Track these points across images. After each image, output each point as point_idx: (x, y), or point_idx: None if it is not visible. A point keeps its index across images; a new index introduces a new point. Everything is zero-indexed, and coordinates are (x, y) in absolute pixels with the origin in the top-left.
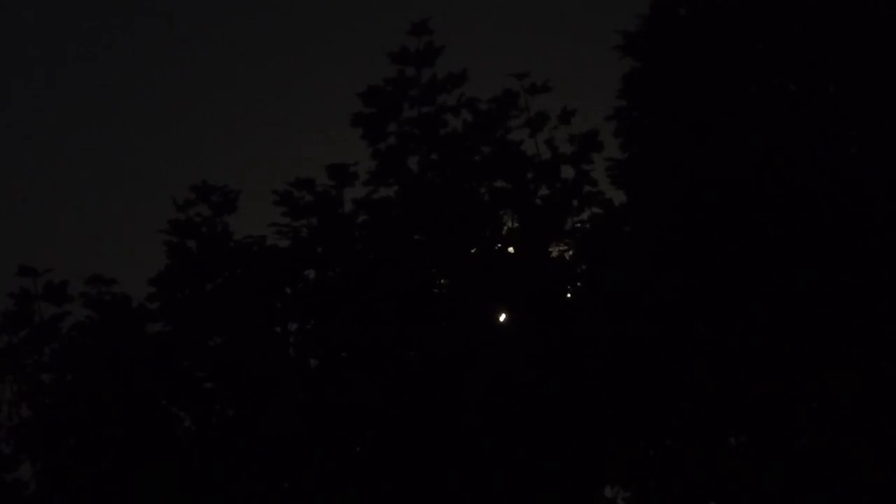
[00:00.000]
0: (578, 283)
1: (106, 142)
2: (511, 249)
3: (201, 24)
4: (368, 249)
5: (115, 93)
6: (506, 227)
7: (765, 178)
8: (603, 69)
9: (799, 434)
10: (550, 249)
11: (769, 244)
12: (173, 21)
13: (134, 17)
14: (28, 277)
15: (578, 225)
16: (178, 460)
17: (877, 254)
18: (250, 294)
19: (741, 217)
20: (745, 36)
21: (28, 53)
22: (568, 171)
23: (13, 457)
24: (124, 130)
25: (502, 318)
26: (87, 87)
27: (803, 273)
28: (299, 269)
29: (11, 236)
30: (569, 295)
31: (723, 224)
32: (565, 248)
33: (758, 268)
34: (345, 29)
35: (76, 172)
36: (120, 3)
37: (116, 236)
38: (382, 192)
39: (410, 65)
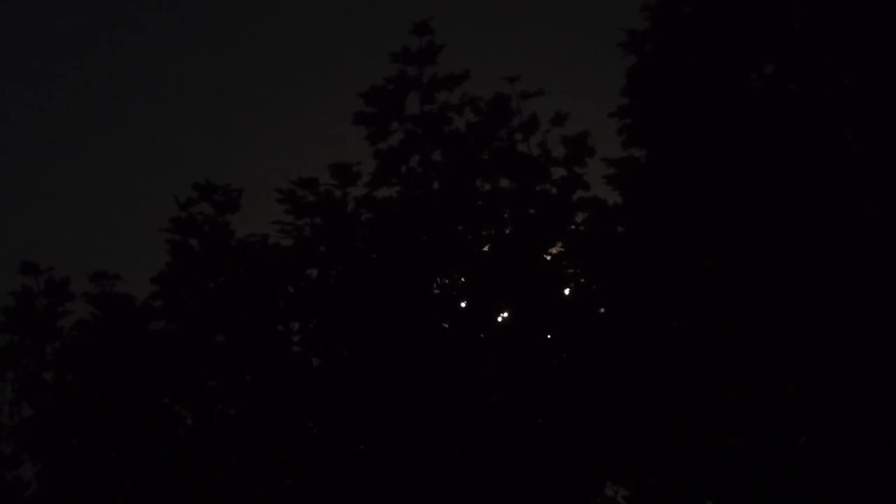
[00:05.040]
0: (579, 282)
1: (109, 140)
2: (511, 249)
3: (205, 24)
4: (370, 248)
5: (119, 91)
6: (505, 229)
7: (766, 176)
8: (601, 69)
9: (799, 434)
10: (549, 249)
11: (769, 243)
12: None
13: (138, 16)
14: (30, 275)
15: (573, 227)
16: (179, 459)
17: (877, 253)
18: (252, 293)
19: (742, 215)
20: (747, 35)
21: (30, 52)
22: (562, 173)
23: (14, 456)
24: (127, 129)
25: (502, 317)
26: (91, 85)
27: (803, 272)
28: (302, 267)
29: (13, 234)
30: (567, 292)
31: (723, 222)
32: (562, 247)
33: (758, 266)
34: (350, 28)
35: (79, 170)
36: (123, 3)
37: (119, 235)
38: (384, 191)
39: (412, 64)
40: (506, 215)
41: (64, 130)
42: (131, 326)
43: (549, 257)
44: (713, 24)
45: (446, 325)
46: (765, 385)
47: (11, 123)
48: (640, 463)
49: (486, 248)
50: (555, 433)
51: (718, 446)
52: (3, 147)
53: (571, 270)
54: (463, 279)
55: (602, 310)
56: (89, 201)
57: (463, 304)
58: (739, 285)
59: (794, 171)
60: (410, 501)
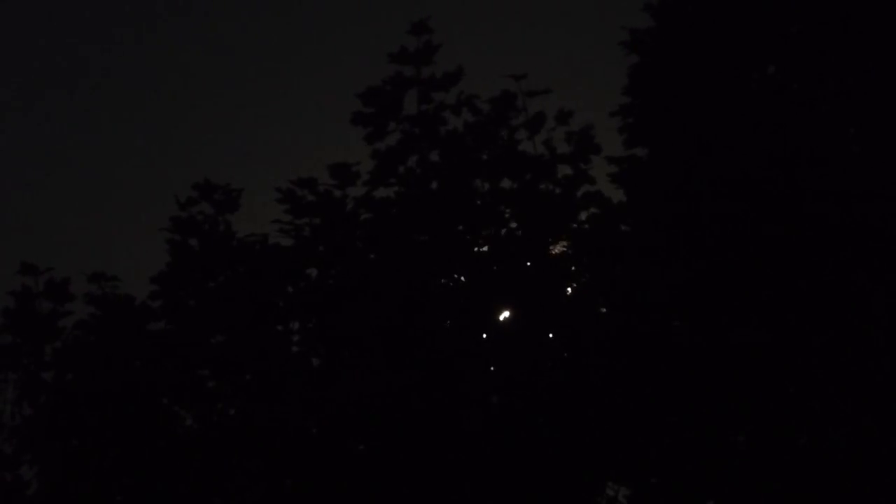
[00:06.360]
0: (581, 280)
1: (109, 140)
2: (512, 248)
3: (205, 24)
4: (370, 248)
5: (120, 91)
6: (505, 229)
7: (767, 176)
8: (602, 69)
9: (799, 434)
10: (551, 248)
11: (771, 242)
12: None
13: (138, 16)
14: (29, 276)
15: (575, 226)
16: (179, 459)
17: (877, 253)
18: (252, 292)
19: (743, 215)
20: (750, 34)
21: (30, 52)
22: (566, 171)
23: (14, 457)
24: (128, 129)
25: (503, 315)
26: (91, 86)
27: (804, 272)
28: (301, 267)
29: (13, 234)
30: (569, 291)
31: (724, 222)
32: (565, 246)
33: (759, 266)
34: (350, 28)
35: (79, 170)
36: (123, 3)
37: (119, 234)
38: (383, 191)
39: (410, 64)
40: (507, 215)
41: (64, 131)
42: (131, 326)
43: (551, 256)
44: (716, 23)
45: (447, 325)
46: (765, 385)
47: (12, 123)
48: (641, 463)
49: (485, 248)
50: (556, 432)
51: (719, 446)
52: (3, 147)
53: (574, 269)
54: (463, 279)
55: (604, 309)
56: (89, 201)
57: (464, 304)
58: (741, 284)
59: (795, 171)
60: (410, 501)
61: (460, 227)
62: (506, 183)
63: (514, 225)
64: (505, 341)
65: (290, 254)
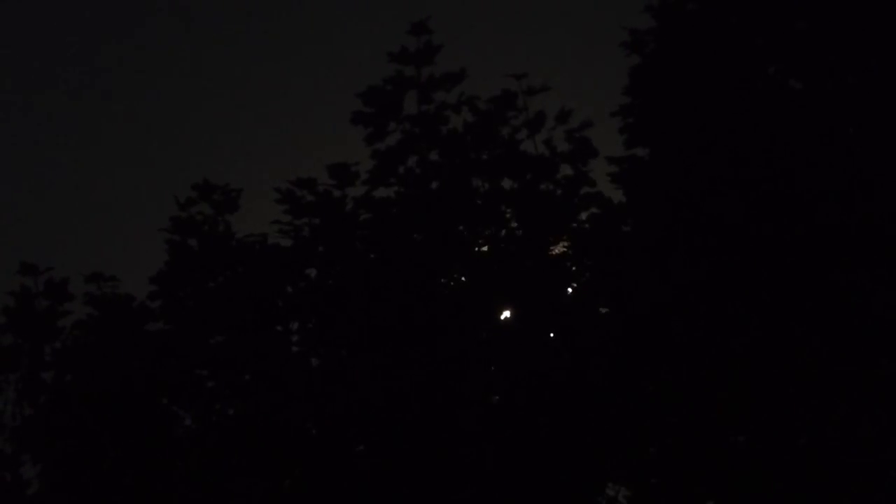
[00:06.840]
0: (581, 280)
1: (109, 140)
2: (512, 248)
3: (205, 25)
4: (369, 248)
5: (119, 92)
6: (505, 229)
7: (767, 176)
8: (603, 69)
9: (799, 434)
10: (551, 248)
11: (770, 242)
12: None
13: (138, 16)
14: (29, 276)
15: (575, 226)
16: (178, 459)
17: (877, 253)
18: (251, 293)
19: (743, 215)
20: (751, 33)
21: (30, 53)
22: (567, 171)
23: (14, 457)
24: (128, 129)
25: (504, 315)
26: (91, 86)
27: (804, 271)
28: (301, 267)
29: (13, 234)
30: (569, 291)
31: (724, 222)
32: (565, 246)
33: (759, 266)
34: (350, 28)
35: (79, 170)
36: (123, 4)
37: (119, 234)
38: (382, 191)
39: (410, 64)
40: (507, 215)
41: (64, 131)
42: (130, 327)
43: (551, 256)
44: (717, 22)
45: (447, 325)
46: (765, 385)
47: (11, 123)
48: (641, 463)
49: (485, 248)
50: (556, 433)
51: (718, 446)
52: (3, 147)
53: (574, 269)
54: (463, 279)
55: (604, 309)
56: (89, 201)
57: (464, 304)
58: (741, 284)
59: (795, 171)
60: (410, 501)
61: (460, 227)
62: (506, 183)
63: (514, 225)
64: (505, 341)
65: (289, 254)
